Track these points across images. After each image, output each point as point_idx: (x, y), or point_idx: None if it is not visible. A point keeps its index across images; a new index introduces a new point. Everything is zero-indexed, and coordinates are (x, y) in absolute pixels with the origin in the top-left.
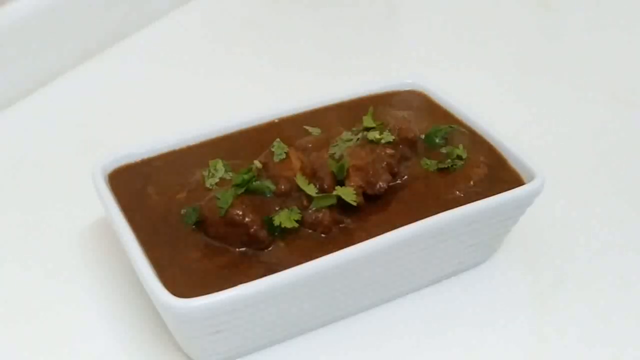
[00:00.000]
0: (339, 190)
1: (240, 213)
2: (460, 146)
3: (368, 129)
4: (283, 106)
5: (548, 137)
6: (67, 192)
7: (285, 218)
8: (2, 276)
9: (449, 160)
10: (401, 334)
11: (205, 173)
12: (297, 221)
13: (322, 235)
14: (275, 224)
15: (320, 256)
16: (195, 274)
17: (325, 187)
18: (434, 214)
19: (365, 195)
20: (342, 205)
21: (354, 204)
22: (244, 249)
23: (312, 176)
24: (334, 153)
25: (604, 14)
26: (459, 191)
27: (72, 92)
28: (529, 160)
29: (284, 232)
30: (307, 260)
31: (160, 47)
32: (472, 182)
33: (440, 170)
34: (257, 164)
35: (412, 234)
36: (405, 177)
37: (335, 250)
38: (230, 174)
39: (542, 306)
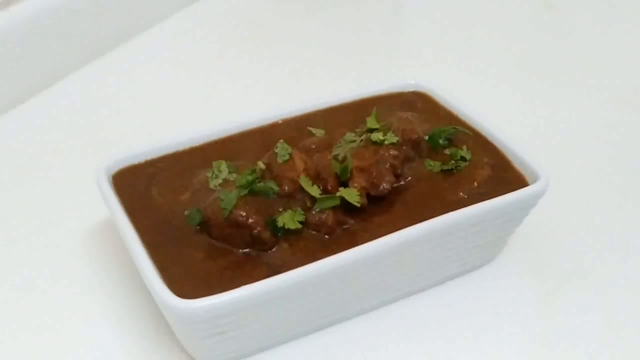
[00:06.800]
0: (343, 192)
1: (244, 214)
2: (464, 147)
3: (372, 130)
4: (286, 107)
5: (552, 138)
6: (71, 193)
7: (288, 219)
8: (6, 276)
9: (453, 161)
10: (405, 336)
11: (209, 174)
12: (300, 222)
13: (326, 236)
14: (279, 225)
15: (324, 257)
16: (198, 275)
17: (329, 188)
18: (437, 216)
19: (368, 197)
20: (345, 207)
21: (358, 205)
22: (247, 250)
23: (316, 177)
24: (338, 154)
25: (608, 14)
26: (463, 192)
27: (76, 94)
28: (532, 162)
29: (287, 233)
30: (310, 262)
31: (164, 49)
32: (475, 184)
33: (444, 171)
34: (260, 165)
35: (415, 236)
36: (409, 178)
37: (338, 252)
38: (234, 175)
39: (546, 307)
